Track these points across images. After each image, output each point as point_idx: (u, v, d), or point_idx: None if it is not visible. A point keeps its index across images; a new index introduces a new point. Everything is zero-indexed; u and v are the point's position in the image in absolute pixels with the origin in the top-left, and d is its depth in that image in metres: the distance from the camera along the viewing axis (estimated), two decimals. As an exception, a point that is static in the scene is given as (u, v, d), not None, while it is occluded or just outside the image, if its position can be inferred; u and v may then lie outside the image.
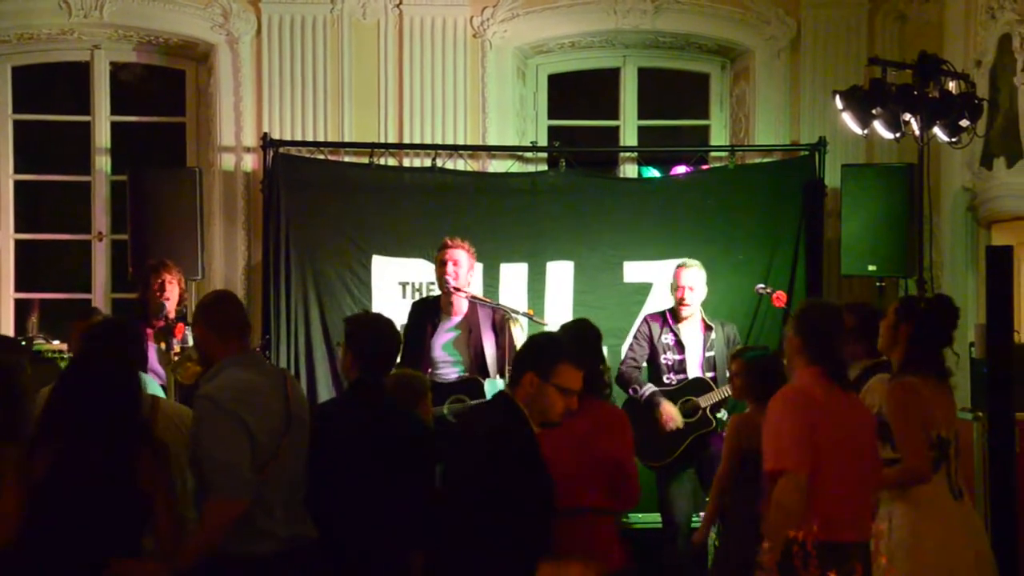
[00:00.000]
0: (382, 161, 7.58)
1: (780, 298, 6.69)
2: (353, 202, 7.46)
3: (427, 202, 7.45)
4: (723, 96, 8.25)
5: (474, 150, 7.75)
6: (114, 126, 8.04)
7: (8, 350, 4.54)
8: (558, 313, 7.25)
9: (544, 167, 7.85)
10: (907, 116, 6.17)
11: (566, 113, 8.40)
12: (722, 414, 6.39)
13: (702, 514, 6.42)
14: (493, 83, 7.80)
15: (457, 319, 6.31)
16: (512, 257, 7.43)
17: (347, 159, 7.66)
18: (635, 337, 6.64)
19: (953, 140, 6.37)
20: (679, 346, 6.52)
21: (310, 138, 7.63)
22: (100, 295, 7.91)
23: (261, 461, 3.75)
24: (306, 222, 7.37)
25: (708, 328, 6.57)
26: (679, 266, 6.58)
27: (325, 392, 7.15)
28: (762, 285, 6.97)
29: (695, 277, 6.52)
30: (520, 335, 6.19)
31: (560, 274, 7.46)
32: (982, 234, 7.34)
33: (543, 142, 8.03)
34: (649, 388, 6.45)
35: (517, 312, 6.29)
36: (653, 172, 8.18)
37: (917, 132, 6.18)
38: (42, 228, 8.32)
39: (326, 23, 7.71)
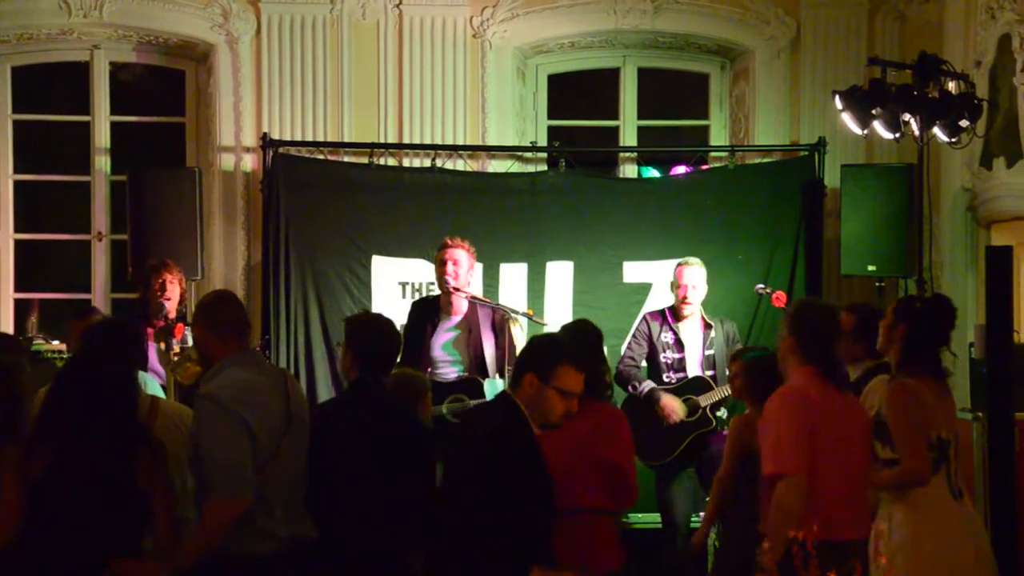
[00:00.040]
0: (382, 161, 7.58)
1: (780, 298, 6.69)
2: (353, 202, 7.46)
3: (427, 202, 7.46)
4: (723, 96, 8.25)
5: (474, 150, 7.75)
6: (114, 126, 8.04)
7: (8, 349, 4.52)
8: (558, 313, 7.25)
9: (544, 167, 7.85)
10: (907, 116, 6.18)
11: (566, 113, 8.40)
12: (722, 412, 6.40)
13: (702, 514, 6.43)
14: (493, 83, 7.80)
15: (457, 319, 6.31)
16: (512, 257, 7.43)
17: (347, 159, 7.66)
18: (634, 336, 6.64)
19: (953, 140, 6.37)
20: (678, 344, 6.52)
21: (310, 138, 7.63)
22: (100, 295, 7.91)
23: (261, 461, 3.75)
24: (306, 222, 7.37)
25: (708, 326, 6.57)
26: (680, 264, 6.58)
27: (325, 392, 7.15)
28: (762, 285, 6.97)
29: (697, 275, 6.53)
30: (520, 335, 6.19)
31: (560, 274, 7.46)
32: (982, 234, 7.34)
33: (543, 142, 8.02)
34: (648, 384, 6.45)
35: (517, 312, 6.30)
36: (653, 172, 8.18)
37: (917, 132, 6.19)
38: (42, 228, 8.31)
39: (326, 23, 7.71)
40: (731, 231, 7.47)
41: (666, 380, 6.49)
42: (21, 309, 8.01)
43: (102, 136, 7.98)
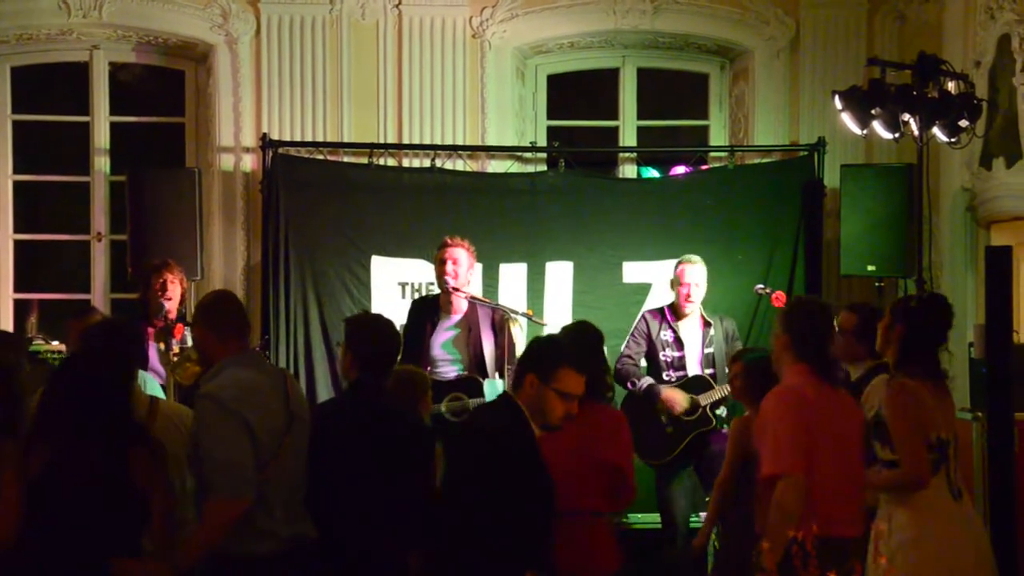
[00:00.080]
0: (381, 161, 7.58)
1: (779, 298, 6.68)
2: (352, 202, 7.46)
3: (426, 202, 7.46)
4: (722, 96, 8.25)
5: (473, 150, 7.75)
6: (113, 126, 8.04)
7: (7, 346, 4.51)
8: (557, 313, 7.25)
9: (543, 167, 7.85)
10: (906, 116, 6.17)
11: (565, 113, 8.39)
12: (721, 411, 6.40)
13: (702, 514, 6.43)
14: (492, 83, 7.80)
15: (457, 317, 6.31)
16: (511, 257, 7.43)
17: (346, 159, 7.65)
18: (633, 334, 6.62)
19: (952, 140, 6.36)
20: (678, 343, 6.51)
21: (309, 138, 7.63)
22: (99, 295, 7.91)
23: (262, 460, 3.74)
24: (305, 222, 7.37)
25: (707, 324, 6.57)
26: (682, 262, 6.55)
27: (324, 392, 7.15)
28: (761, 285, 6.97)
29: (700, 273, 6.52)
30: (519, 335, 6.19)
31: (559, 274, 7.46)
32: (981, 234, 7.34)
33: (542, 142, 8.02)
34: (647, 380, 6.44)
35: (516, 312, 6.30)
36: (652, 172, 8.18)
37: (916, 132, 6.18)
38: (41, 228, 8.31)
39: (325, 23, 7.71)
40: (731, 231, 7.47)
41: (666, 378, 6.49)
42: (20, 309, 8.01)
43: (101, 136, 7.98)
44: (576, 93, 8.53)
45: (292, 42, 7.70)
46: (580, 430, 4.13)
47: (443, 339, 6.28)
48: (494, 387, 5.97)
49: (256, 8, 7.72)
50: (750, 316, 7.26)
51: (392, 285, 7.41)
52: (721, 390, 6.34)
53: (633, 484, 4.46)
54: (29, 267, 8.16)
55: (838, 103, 6.37)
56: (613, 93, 8.23)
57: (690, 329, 6.56)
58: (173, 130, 8.16)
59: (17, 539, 3.52)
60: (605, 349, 4.73)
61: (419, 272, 7.33)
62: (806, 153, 7.65)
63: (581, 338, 4.51)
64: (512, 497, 3.65)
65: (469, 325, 6.28)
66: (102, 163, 7.98)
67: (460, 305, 6.32)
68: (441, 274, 6.29)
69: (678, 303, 6.55)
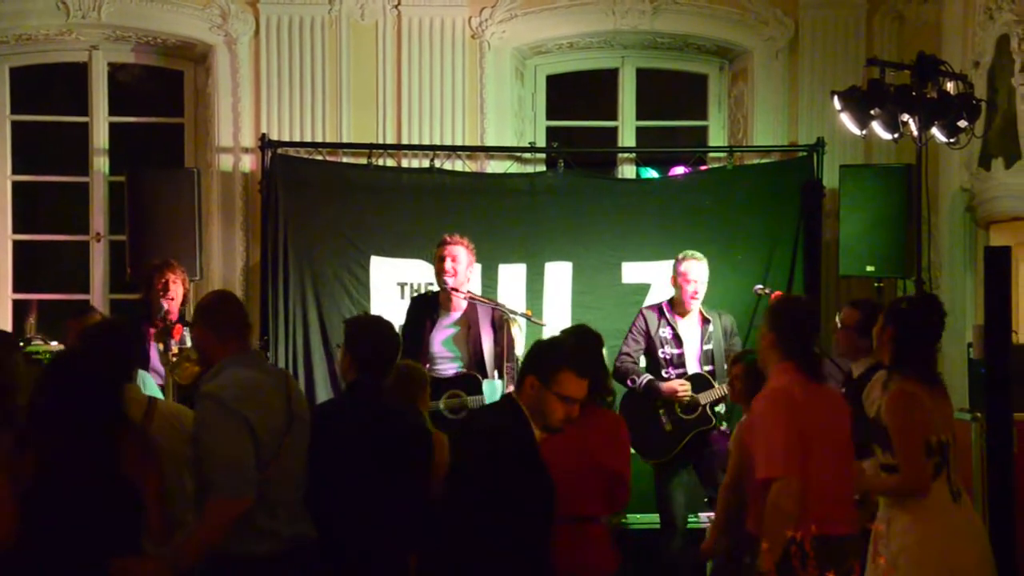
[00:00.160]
0: (380, 162, 7.58)
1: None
2: (351, 203, 7.46)
3: (425, 203, 7.46)
4: (721, 97, 8.25)
5: (472, 151, 7.76)
6: (112, 127, 8.04)
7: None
8: (556, 314, 7.26)
9: (542, 168, 7.86)
10: (905, 117, 6.17)
11: (564, 114, 8.39)
12: (720, 408, 6.39)
13: (701, 514, 6.42)
14: (491, 84, 7.80)
15: (456, 315, 6.31)
16: (510, 258, 7.43)
17: (345, 160, 7.66)
18: (631, 331, 6.58)
19: (951, 141, 6.36)
20: (677, 340, 6.49)
21: (308, 139, 7.63)
22: (98, 296, 7.90)
23: (263, 460, 3.74)
24: (304, 223, 7.37)
25: (706, 320, 6.53)
26: (687, 258, 6.46)
27: (323, 393, 7.15)
28: (760, 286, 6.96)
29: (702, 270, 6.47)
30: (519, 335, 6.19)
31: (558, 275, 7.46)
32: (980, 235, 7.33)
33: (541, 143, 8.03)
34: (646, 377, 6.41)
35: (515, 313, 6.30)
36: (651, 173, 8.18)
37: (915, 133, 6.18)
38: (40, 229, 8.30)
39: (324, 24, 7.71)
40: (730, 231, 7.47)
41: (665, 376, 6.47)
42: (20, 310, 8.00)
43: (100, 137, 7.98)
44: (575, 93, 8.53)
45: (291, 42, 7.70)
46: (578, 434, 4.13)
47: (443, 336, 6.28)
48: (493, 388, 5.96)
49: (255, 8, 7.72)
50: (749, 317, 7.23)
51: (391, 285, 7.42)
52: (721, 389, 6.32)
53: (628, 487, 4.46)
54: (28, 267, 8.16)
55: (837, 103, 6.37)
56: (612, 93, 8.23)
57: (689, 325, 6.53)
58: (172, 130, 8.16)
59: (17, 540, 3.51)
60: (604, 351, 4.73)
61: (418, 272, 7.33)
62: (805, 153, 7.65)
63: (581, 342, 4.50)
64: (512, 497, 3.65)
65: (469, 323, 6.28)
66: (101, 163, 7.97)
67: (460, 303, 6.31)
68: (440, 272, 6.28)
69: (682, 300, 6.48)
